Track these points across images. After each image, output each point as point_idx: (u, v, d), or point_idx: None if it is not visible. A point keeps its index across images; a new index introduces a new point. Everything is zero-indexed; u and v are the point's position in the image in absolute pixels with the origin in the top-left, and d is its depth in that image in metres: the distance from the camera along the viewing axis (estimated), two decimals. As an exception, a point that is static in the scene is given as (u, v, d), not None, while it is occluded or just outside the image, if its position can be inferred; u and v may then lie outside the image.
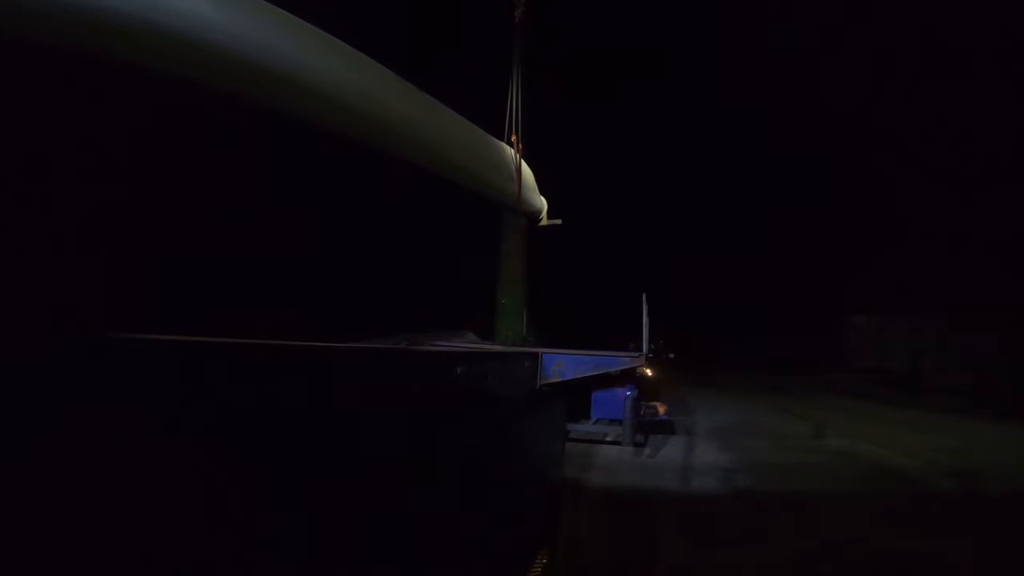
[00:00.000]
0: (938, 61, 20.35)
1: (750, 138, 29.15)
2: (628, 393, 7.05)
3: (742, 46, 26.00)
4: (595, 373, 4.84)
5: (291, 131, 4.72)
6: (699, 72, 27.38)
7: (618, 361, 5.48)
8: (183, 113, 4.14)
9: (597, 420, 7.48)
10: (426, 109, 6.14)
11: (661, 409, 8.90)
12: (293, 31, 4.43)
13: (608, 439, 7.36)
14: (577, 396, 6.82)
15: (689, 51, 26.27)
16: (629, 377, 7.16)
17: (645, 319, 6.07)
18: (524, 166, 8.62)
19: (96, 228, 3.68)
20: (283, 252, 5.25)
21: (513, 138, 8.41)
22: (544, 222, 10.00)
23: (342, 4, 5.01)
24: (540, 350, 4.31)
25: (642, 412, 8.03)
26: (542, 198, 9.72)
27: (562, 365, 4.32)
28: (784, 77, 25.96)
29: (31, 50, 3.09)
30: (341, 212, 6.19)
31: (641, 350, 5.96)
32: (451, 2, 11.59)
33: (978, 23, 18.58)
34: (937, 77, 20.32)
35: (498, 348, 6.28)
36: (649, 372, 8.94)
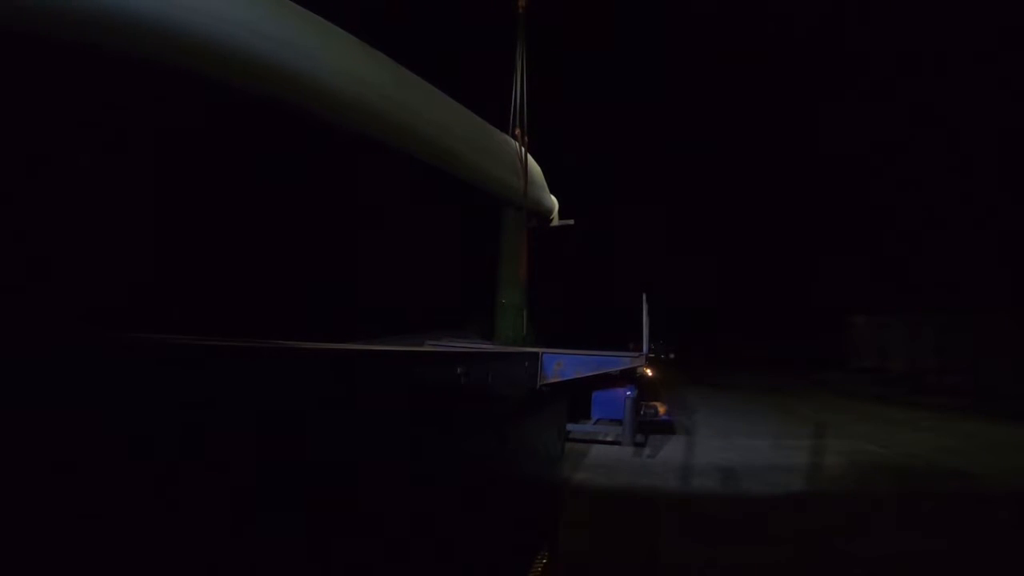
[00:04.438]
0: (940, 61, 20.33)
1: (751, 138, 29.16)
2: (628, 393, 7.05)
3: (743, 46, 26.00)
4: (595, 373, 4.82)
5: (277, 119, 4.65)
6: (701, 71, 27.38)
7: (618, 361, 5.46)
8: (180, 107, 4.12)
9: (597, 420, 7.48)
10: (426, 98, 6.01)
11: (661, 409, 8.91)
12: (284, 15, 4.36)
13: (608, 439, 7.36)
14: (577, 396, 6.82)
15: (690, 50, 26.27)
16: (629, 377, 7.16)
17: (645, 319, 6.06)
18: (531, 161, 8.36)
19: (97, 227, 3.68)
20: (274, 251, 5.20)
21: (517, 131, 8.17)
22: (555, 222, 9.78)
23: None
24: (540, 350, 4.29)
25: (642, 412, 8.03)
26: (552, 197, 9.47)
27: (562, 365, 4.30)
28: (786, 77, 25.98)
29: (36, 44, 3.09)
30: (339, 208, 6.12)
31: (641, 350, 5.95)
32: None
33: (976, 24, 18.57)
34: (938, 77, 20.31)
35: (498, 348, 6.27)
36: (649, 372, 8.93)
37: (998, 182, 18.56)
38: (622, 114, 25.53)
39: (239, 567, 1.18)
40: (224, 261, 4.61)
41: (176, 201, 4.23)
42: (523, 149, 8.03)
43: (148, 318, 3.57)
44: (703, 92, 27.87)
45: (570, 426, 6.80)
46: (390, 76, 5.48)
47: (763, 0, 23.73)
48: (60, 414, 0.85)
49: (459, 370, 2.33)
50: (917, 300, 19.87)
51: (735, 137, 29.44)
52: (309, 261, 5.61)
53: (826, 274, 26.71)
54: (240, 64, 4.05)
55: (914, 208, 21.41)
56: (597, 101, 23.19)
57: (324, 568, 1.44)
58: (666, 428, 8.69)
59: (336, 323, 5.23)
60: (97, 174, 3.64)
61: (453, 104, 6.54)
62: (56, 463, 0.85)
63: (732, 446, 7.69)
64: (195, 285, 4.24)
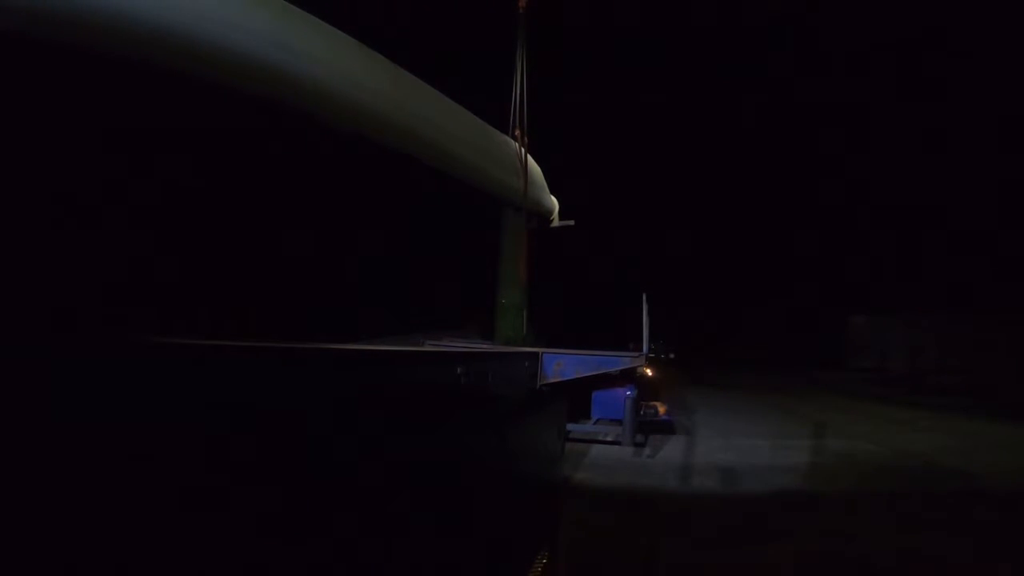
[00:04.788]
0: (940, 60, 20.34)
1: (751, 138, 29.17)
2: (628, 393, 7.05)
3: (743, 46, 26.02)
4: (595, 373, 4.83)
5: (276, 121, 4.64)
6: (701, 69, 27.38)
7: (618, 361, 5.46)
8: (179, 109, 4.12)
9: (597, 420, 7.48)
10: (425, 99, 6.01)
11: (661, 409, 8.91)
12: (282, 17, 4.35)
13: (608, 439, 7.36)
14: (577, 396, 6.82)
15: (690, 51, 26.27)
16: (629, 377, 7.15)
17: (645, 319, 6.05)
18: (531, 162, 8.35)
19: (97, 228, 3.68)
20: (274, 252, 5.20)
21: (517, 131, 8.15)
22: (555, 223, 9.80)
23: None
24: (540, 350, 4.30)
25: (642, 412, 8.03)
26: (552, 198, 9.48)
27: (562, 365, 4.30)
28: (786, 75, 25.99)
29: (33, 46, 3.10)
30: (339, 208, 6.12)
31: (641, 350, 5.94)
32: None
33: (978, 21, 18.57)
34: (939, 76, 20.32)
35: (498, 348, 6.27)
36: (649, 372, 8.92)
37: (999, 182, 18.57)
38: (622, 114, 25.51)
39: (240, 565, 1.18)
40: (224, 262, 4.61)
41: (175, 202, 4.23)
42: (523, 150, 8.02)
43: (149, 319, 3.57)
44: (703, 92, 27.89)
45: (570, 426, 6.79)
46: (389, 77, 5.48)
47: (763, 1, 23.76)
48: (60, 414, 0.85)
49: (459, 370, 2.34)
50: (917, 300, 19.88)
51: (735, 136, 29.48)
52: (309, 261, 5.62)
53: (826, 274, 26.73)
54: (239, 67, 4.05)
55: (914, 208, 21.42)
56: (597, 101, 23.17)
57: (325, 567, 1.44)
58: (666, 428, 8.69)
59: (336, 323, 5.22)
60: (97, 175, 3.65)
61: (452, 105, 6.53)
62: (56, 463, 0.85)
63: (732, 446, 7.69)
64: (195, 286, 4.24)
